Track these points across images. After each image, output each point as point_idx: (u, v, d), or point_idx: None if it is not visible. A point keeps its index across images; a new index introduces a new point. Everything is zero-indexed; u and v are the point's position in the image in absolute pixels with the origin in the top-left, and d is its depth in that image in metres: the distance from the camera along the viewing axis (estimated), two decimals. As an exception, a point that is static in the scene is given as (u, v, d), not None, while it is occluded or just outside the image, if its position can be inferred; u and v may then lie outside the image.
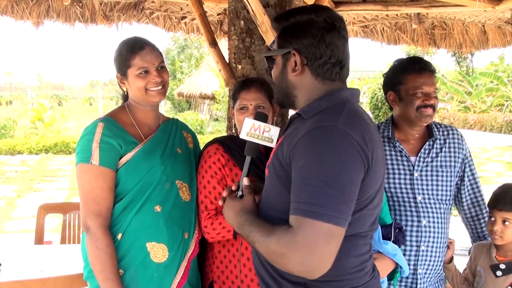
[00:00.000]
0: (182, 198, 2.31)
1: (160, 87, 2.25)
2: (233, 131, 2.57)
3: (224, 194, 1.86)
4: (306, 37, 1.65)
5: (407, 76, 2.56)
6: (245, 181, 1.83)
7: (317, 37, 1.64)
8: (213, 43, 3.43)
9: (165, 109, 28.00)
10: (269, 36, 2.94)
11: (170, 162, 2.29)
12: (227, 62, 3.27)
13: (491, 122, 25.60)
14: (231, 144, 2.42)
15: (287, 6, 3.05)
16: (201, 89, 20.66)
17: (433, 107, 2.53)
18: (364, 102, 26.52)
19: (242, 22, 3.07)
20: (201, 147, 2.54)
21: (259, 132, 1.81)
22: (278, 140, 1.77)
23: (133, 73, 2.21)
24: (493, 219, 2.55)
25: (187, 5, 4.59)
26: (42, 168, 14.03)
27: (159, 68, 2.26)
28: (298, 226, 1.47)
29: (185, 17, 4.98)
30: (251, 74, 3.03)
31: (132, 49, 2.22)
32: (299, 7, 1.76)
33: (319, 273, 1.47)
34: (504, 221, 2.50)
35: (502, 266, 2.55)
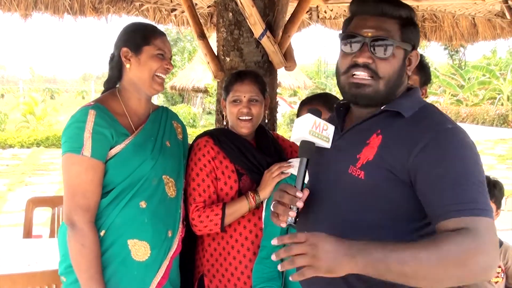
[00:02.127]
0: (168, 194, 2.22)
1: (165, 76, 2.21)
2: (224, 123, 2.55)
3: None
4: None
5: None
6: (305, 192, 1.55)
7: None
8: (202, 36, 3.42)
9: (158, 102, 27.88)
10: (257, 28, 2.93)
11: (160, 157, 2.20)
12: (216, 54, 3.26)
13: (483, 115, 25.72)
14: (221, 137, 2.41)
15: (276, -2, 3.04)
16: (194, 82, 20.58)
17: None
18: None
19: (231, 14, 3.06)
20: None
21: (319, 130, 1.58)
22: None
23: (151, 52, 2.14)
24: None
25: (177, -3, 4.56)
26: (33, 162, 13.93)
27: (170, 58, 2.23)
28: (477, 226, 1.34)
29: (175, 9, 4.94)
30: (240, 67, 3.02)
31: (155, 30, 2.20)
32: None
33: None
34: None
35: None
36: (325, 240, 1.32)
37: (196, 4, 4.90)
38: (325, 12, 5.16)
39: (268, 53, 3.06)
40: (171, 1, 4.84)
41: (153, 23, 4.96)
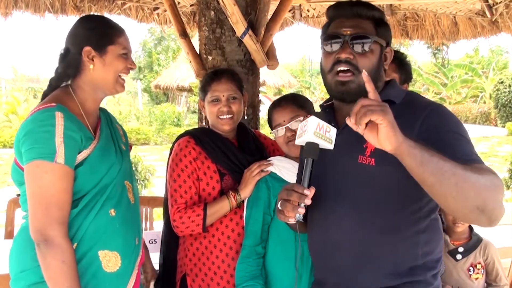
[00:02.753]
0: (130, 200, 2.11)
1: (127, 76, 2.09)
2: (203, 123, 2.54)
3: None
4: None
5: None
6: (312, 190, 1.59)
7: None
8: (183, 34, 3.41)
9: (143, 101, 27.78)
10: (239, 26, 2.94)
11: (122, 160, 2.08)
12: (198, 53, 3.25)
13: (466, 113, 26.00)
14: (203, 137, 2.39)
15: (257, -4, 3.05)
16: (178, 81, 20.51)
17: None
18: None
19: (212, 12, 3.05)
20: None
21: (323, 132, 1.63)
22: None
23: (117, 51, 1.99)
24: None
25: (159, -5, 4.55)
26: (15, 162, 13.82)
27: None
28: (489, 170, 1.46)
29: (157, 8, 4.93)
30: (222, 65, 3.02)
31: (117, 28, 2.03)
32: None
33: None
34: None
35: (461, 249, 2.66)
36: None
37: (178, 2, 4.89)
38: (308, 10, 5.19)
39: (250, 52, 3.06)
40: (154, 0, 4.83)
41: (135, 21, 4.95)
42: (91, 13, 4.63)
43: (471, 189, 1.38)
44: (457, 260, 2.65)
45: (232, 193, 2.32)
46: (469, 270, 2.62)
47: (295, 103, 2.28)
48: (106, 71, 1.99)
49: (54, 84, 2.06)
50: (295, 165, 2.21)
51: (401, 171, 1.47)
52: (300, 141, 1.64)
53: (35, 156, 1.83)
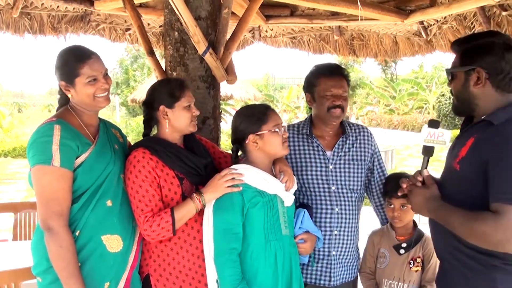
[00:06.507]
0: (125, 189, 2.27)
1: (106, 93, 2.21)
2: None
3: (405, 185, 2.14)
4: (490, 56, 1.88)
5: (319, 80, 2.61)
6: (425, 172, 2.09)
7: (498, 55, 1.87)
8: (151, 53, 3.42)
9: (120, 114, 27.45)
10: (201, 46, 2.95)
11: (116, 159, 2.25)
12: (164, 69, 3.27)
13: (413, 123, 26.51)
14: (156, 146, 2.30)
15: (217, 19, 3.07)
16: (153, 95, 20.36)
17: (342, 108, 2.57)
18: (301, 106, 26.87)
19: (176, 33, 3.06)
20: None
21: (434, 137, 2.09)
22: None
23: (82, 81, 2.12)
24: (391, 206, 2.63)
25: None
26: (1, 172, 13.54)
27: (105, 75, 2.20)
28: (503, 211, 1.68)
29: (129, 29, 4.91)
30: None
31: (80, 58, 2.14)
32: (478, 33, 2.09)
33: None
34: (402, 206, 2.59)
35: (404, 245, 2.66)
36: (428, 192, 2.03)
37: (148, 24, 4.92)
38: (266, 31, 5.24)
39: (211, 68, 3.08)
40: (125, 21, 4.82)
41: (109, 41, 4.93)
42: (69, 34, 4.63)
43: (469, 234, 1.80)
44: (400, 254, 2.65)
45: (197, 196, 2.22)
46: (410, 263, 2.63)
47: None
48: (81, 97, 2.17)
49: (59, 105, 2.29)
50: (260, 173, 2.26)
51: (474, 179, 1.85)
52: (422, 143, 2.13)
53: (36, 161, 2.05)
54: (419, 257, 2.64)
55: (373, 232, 2.81)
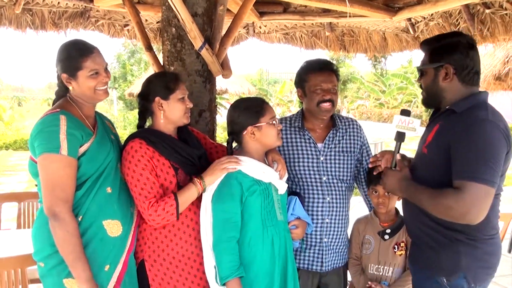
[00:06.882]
0: (122, 178, 2.31)
1: (106, 86, 2.25)
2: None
3: (384, 165, 2.38)
4: (457, 53, 2.06)
5: (309, 75, 2.65)
6: (398, 156, 2.29)
7: (464, 53, 2.06)
8: (149, 48, 3.45)
9: (118, 107, 27.32)
10: (197, 41, 2.99)
11: (114, 148, 2.30)
12: (161, 64, 3.31)
13: (402, 116, 26.43)
14: (152, 137, 2.32)
15: (213, 16, 3.11)
16: (149, 89, 20.30)
17: (332, 102, 2.61)
18: (294, 100, 26.86)
19: (174, 29, 3.09)
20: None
21: (405, 124, 2.26)
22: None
23: (85, 74, 2.16)
24: (376, 193, 2.69)
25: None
26: (2, 164, 13.50)
27: (105, 69, 2.25)
28: (464, 187, 1.86)
29: (127, 25, 4.94)
30: (183, 75, 3.06)
31: (83, 52, 2.17)
32: (444, 34, 2.25)
33: (477, 221, 1.89)
34: (386, 192, 2.64)
35: (388, 231, 2.72)
36: (400, 174, 2.22)
37: (146, 20, 4.94)
38: (260, 27, 5.27)
39: (207, 63, 3.11)
40: (124, 17, 4.83)
41: (108, 37, 4.96)
42: (70, 30, 4.65)
43: (435, 208, 1.99)
44: (385, 240, 2.71)
45: (198, 180, 2.26)
46: (394, 248, 2.68)
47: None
48: (82, 90, 2.20)
49: (57, 96, 2.31)
50: (258, 164, 2.31)
51: (439, 160, 2.05)
52: (394, 129, 2.27)
53: (44, 150, 2.07)
54: (402, 242, 2.69)
55: (357, 220, 2.86)
